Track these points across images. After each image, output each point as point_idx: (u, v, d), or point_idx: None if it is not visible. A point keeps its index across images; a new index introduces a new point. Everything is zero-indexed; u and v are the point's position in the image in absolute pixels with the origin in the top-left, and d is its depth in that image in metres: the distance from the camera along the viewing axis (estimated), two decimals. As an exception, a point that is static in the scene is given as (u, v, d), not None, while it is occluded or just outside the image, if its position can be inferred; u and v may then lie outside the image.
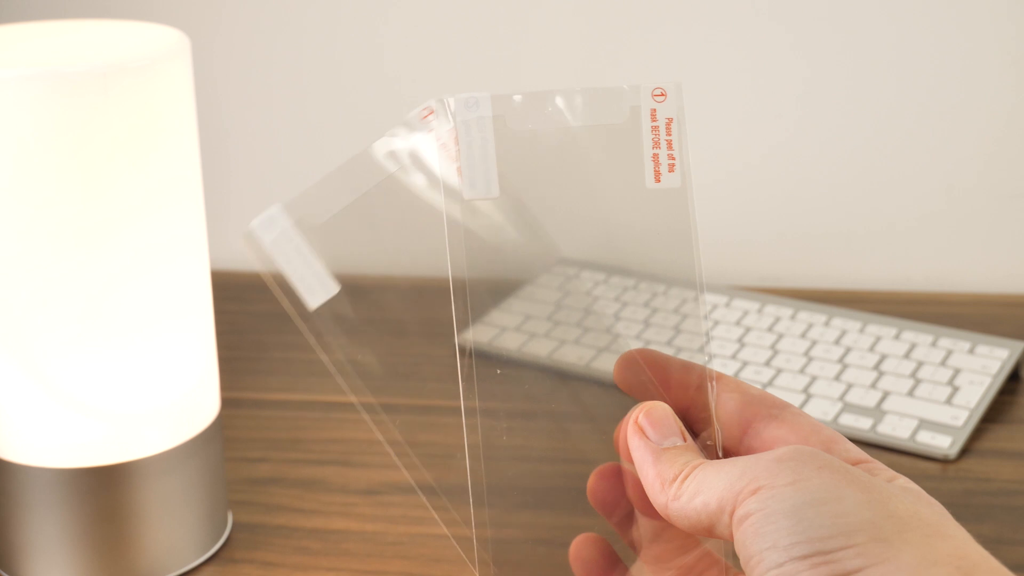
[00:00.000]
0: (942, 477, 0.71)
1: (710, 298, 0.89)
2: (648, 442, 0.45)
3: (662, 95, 0.46)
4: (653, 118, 0.46)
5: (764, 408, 0.45)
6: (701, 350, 0.49)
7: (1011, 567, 0.65)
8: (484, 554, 0.49)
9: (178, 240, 0.59)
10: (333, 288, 0.45)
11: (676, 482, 0.43)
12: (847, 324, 0.85)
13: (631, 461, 0.45)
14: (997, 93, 0.92)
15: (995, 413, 0.77)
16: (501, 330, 0.77)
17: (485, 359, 0.48)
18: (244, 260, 1.14)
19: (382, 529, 0.67)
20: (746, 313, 0.87)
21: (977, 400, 0.76)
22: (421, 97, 1.06)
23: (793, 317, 0.86)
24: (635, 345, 0.50)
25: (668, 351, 0.50)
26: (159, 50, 0.56)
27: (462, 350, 0.47)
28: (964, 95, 0.93)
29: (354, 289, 0.47)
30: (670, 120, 0.46)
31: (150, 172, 0.56)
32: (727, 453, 0.46)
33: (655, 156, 0.47)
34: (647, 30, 0.94)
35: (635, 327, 0.72)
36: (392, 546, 0.65)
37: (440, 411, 0.75)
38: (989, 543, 0.65)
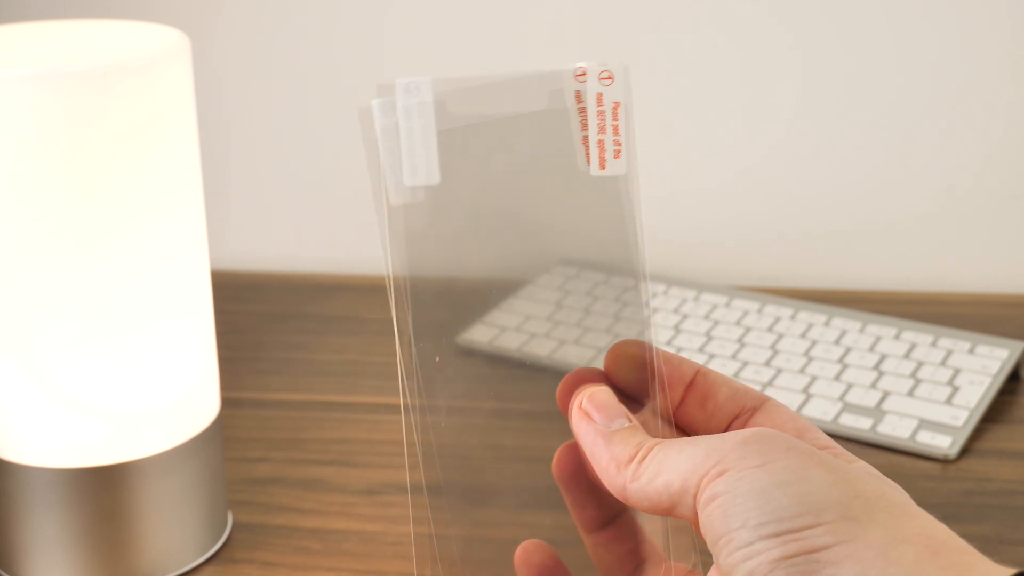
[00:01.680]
0: (942, 477, 0.71)
1: (710, 298, 0.89)
2: (596, 425, 0.44)
3: (609, 78, 0.44)
4: (599, 102, 0.45)
5: (749, 400, 0.46)
6: (641, 335, 0.49)
7: (1011, 567, 0.65)
8: (449, 553, 0.49)
9: (178, 240, 0.59)
10: (435, 178, 0.44)
11: (633, 463, 0.43)
12: (847, 324, 0.85)
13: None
14: (997, 93, 0.92)
15: (995, 413, 0.77)
16: (501, 330, 0.77)
17: (436, 353, 0.48)
18: (244, 260, 1.15)
19: (382, 529, 0.67)
20: (746, 313, 0.87)
21: (977, 400, 0.76)
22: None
23: (793, 317, 0.86)
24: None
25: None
26: (159, 50, 0.56)
27: (404, 346, 0.47)
28: (964, 95, 0.93)
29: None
30: (617, 104, 0.45)
31: (150, 172, 0.56)
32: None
33: (600, 142, 0.45)
34: (647, 29, 0.94)
35: (635, 327, 0.72)
36: (392, 546, 0.65)
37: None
38: (989, 543, 0.65)
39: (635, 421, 0.45)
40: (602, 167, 0.45)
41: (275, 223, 1.02)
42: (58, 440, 0.59)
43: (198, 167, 0.60)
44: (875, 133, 0.94)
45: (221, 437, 0.65)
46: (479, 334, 0.75)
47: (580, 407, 0.45)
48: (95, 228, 0.56)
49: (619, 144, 0.45)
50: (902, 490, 0.42)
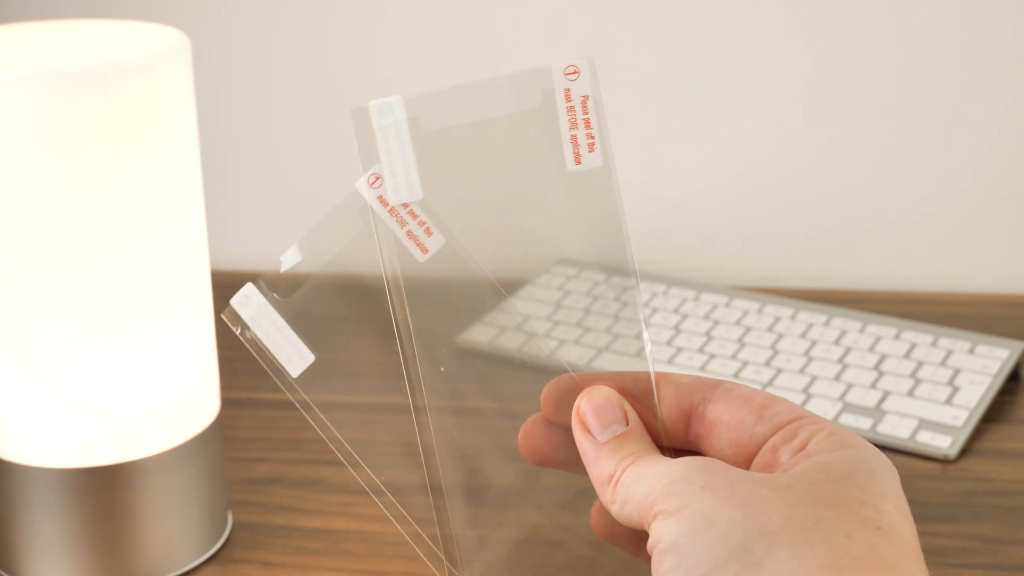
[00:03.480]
0: (942, 477, 0.71)
1: (710, 298, 0.89)
2: (589, 437, 0.44)
3: (575, 73, 0.44)
4: (567, 98, 0.44)
5: (699, 393, 0.45)
6: (638, 336, 0.49)
7: (1011, 567, 0.65)
8: (452, 553, 0.49)
9: (178, 240, 0.59)
10: (418, 194, 0.45)
11: (611, 484, 0.43)
12: (847, 324, 0.85)
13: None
14: (997, 93, 0.92)
15: (995, 413, 0.77)
16: (501, 330, 0.77)
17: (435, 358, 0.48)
18: (244, 260, 1.15)
19: (382, 529, 0.67)
20: (746, 313, 0.87)
21: (977, 400, 0.76)
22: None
23: (793, 317, 0.86)
24: (635, 346, 0.49)
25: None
26: (159, 50, 0.56)
27: (403, 349, 0.47)
28: (964, 95, 0.93)
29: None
30: (585, 98, 0.44)
31: (150, 172, 0.56)
32: (678, 450, 0.46)
33: (573, 138, 0.45)
34: (647, 29, 0.94)
35: (635, 327, 0.72)
36: (392, 546, 0.65)
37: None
38: (989, 543, 0.65)
39: (633, 422, 0.45)
40: (578, 162, 0.45)
41: (275, 223, 1.02)
42: (58, 440, 0.59)
43: (198, 167, 0.60)
44: (875, 133, 0.94)
45: (221, 437, 0.65)
46: (479, 334, 0.75)
47: (578, 412, 0.45)
48: (95, 228, 0.56)
49: (592, 138, 0.45)
50: (865, 467, 0.41)
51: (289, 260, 0.47)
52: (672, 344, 0.84)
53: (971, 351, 0.81)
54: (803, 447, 0.42)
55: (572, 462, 0.46)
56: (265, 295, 0.47)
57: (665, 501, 0.40)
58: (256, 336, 0.47)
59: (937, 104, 0.93)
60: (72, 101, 0.53)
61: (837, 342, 0.83)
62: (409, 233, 0.45)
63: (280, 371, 0.47)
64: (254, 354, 0.47)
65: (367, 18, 0.96)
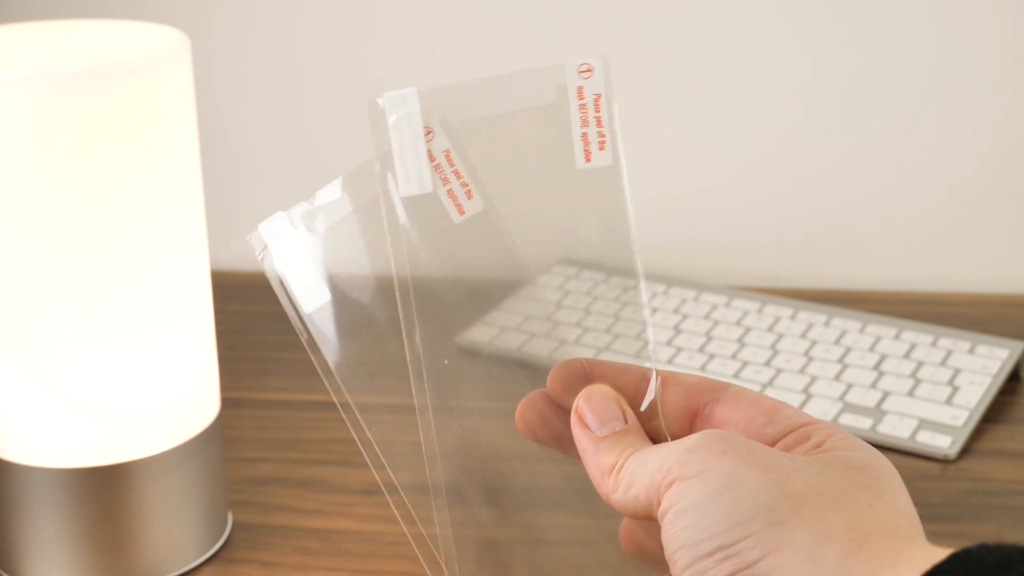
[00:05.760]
0: (942, 477, 0.71)
1: (710, 298, 0.89)
2: (587, 432, 0.45)
3: (588, 71, 0.44)
4: (580, 95, 0.45)
5: (707, 394, 0.45)
6: (638, 337, 0.49)
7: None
8: (451, 553, 0.49)
9: (178, 240, 0.59)
10: (428, 187, 0.45)
11: (613, 473, 0.43)
12: (847, 324, 0.85)
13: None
14: (997, 93, 0.92)
15: (995, 413, 0.77)
16: (501, 330, 0.77)
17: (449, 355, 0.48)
18: (244, 260, 1.14)
19: (382, 529, 0.67)
20: (746, 313, 0.87)
21: (977, 400, 0.76)
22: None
23: (793, 317, 0.86)
24: (635, 346, 0.49)
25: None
26: (159, 50, 0.56)
27: (412, 349, 0.47)
28: (964, 95, 0.93)
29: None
30: (598, 96, 0.45)
31: (150, 172, 0.56)
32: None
33: (584, 135, 0.45)
34: (648, 29, 0.94)
35: (635, 327, 0.72)
36: (392, 546, 0.65)
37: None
38: (989, 543, 0.65)
39: (631, 420, 0.45)
40: (587, 160, 0.46)
41: (275, 223, 1.02)
42: (58, 440, 0.59)
43: (198, 167, 0.60)
44: (875, 133, 0.94)
45: (221, 437, 0.65)
46: (479, 334, 0.75)
47: (577, 409, 0.45)
48: (95, 228, 0.56)
49: (603, 136, 0.45)
50: (879, 466, 0.41)
51: (325, 196, 0.46)
52: (672, 344, 0.84)
53: (971, 351, 0.81)
54: (818, 446, 0.42)
55: (567, 442, 0.46)
56: (294, 227, 0.46)
57: (682, 468, 0.40)
58: (276, 265, 0.46)
59: (937, 104, 0.93)
60: (72, 101, 0.53)
61: (837, 342, 0.83)
62: (450, 192, 0.45)
63: (295, 306, 0.46)
64: (271, 283, 0.46)
65: (367, 18, 0.96)
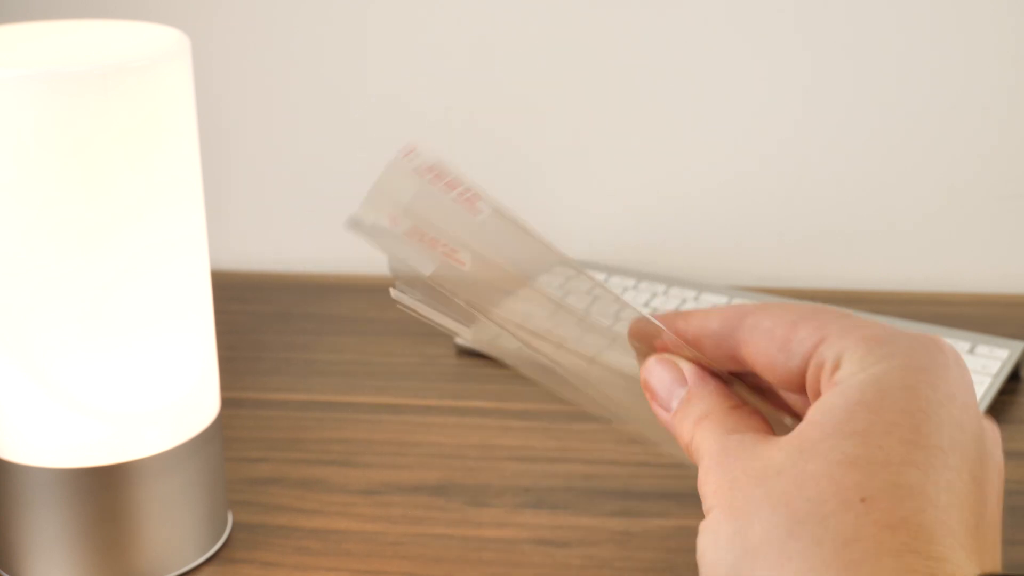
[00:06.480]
0: (942, 477, 0.71)
1: (710, 298, 0.89)
2: (661, 411, 0.45)
3: (412, 151, 0.45)
4: (421, 174, 0.45)
5: (730, 337, 0.44)
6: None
7: (1011, 567, 0.65)
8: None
9: (178, 240, 0.59)
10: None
11: (690, 452, 0.44)
12: (847, 324, 0.85)
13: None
14: (997, 93, 0.92)
15: (995, 413, 0.77)
16: (501, 330, 0.77)
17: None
18: (244, 260, 1.14)
19: (382, 529, 0.67)
20: (746, 313, 0.87)
21: (977, 400, 0.76)
22: (422, 98, 1.06)
23: (793, 317, 0.86)
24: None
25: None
26: (159, 50, 0.56)
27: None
28: (964, 95, 0.93)
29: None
30: (434, 167, 0.45)
31: (150, 172, 0.56)
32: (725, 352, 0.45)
33: (460, 196, 0.45)
34: (648, 30, 0.94)
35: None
36: (392, 546, 0.65)
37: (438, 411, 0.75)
38: (989, 543, 0.65)
39: (690, 375, 0.45)
40: (475, 216, 0.46)
41: (275, 223, 1.02)
42: (58, 440, 0.59)
43: (198, 167, 0.60)
44: (875, 133, 0.94)
45: (221, 437, 0.65)
46: (479, 334, 0.75)
47: (646, 384, 0.46)
48: (95, 228, 0.56)
49: (469, 191, 0.45)
50: (901, 381, 0.39)
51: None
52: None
53: (971, 351, 0.81)
54: (836, 369, 0.40)
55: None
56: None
57: (703, 497, 0.41)
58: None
59: (937, 104, 0.93)
60: (72, 101, 0.53)
61: (837, 342, 0.83)
62: (462, 196, 0.46)
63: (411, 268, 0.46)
64: (380, 250, 0.45)
65: (368, 18, 0.96)
